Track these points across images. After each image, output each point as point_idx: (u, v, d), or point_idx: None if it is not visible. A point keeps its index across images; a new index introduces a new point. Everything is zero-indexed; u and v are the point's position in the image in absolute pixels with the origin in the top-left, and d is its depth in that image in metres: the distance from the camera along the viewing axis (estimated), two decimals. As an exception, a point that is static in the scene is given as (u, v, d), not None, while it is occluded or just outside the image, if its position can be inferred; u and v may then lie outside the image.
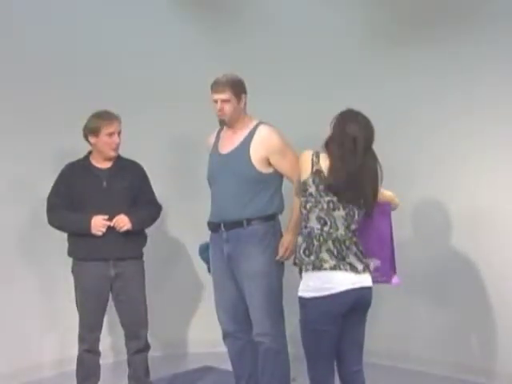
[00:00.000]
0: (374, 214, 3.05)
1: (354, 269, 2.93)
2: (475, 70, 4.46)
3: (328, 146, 3.00)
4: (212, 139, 3.87)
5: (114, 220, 3.84)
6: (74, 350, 4.00)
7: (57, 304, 4.70)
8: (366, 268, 2.99)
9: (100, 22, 4.93)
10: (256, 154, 3.61)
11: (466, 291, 4.55)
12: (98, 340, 3.97)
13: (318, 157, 2.97)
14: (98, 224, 3.83)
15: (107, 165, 3.99)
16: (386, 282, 3.09)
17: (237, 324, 3.75)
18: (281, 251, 3.60)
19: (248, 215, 3.60)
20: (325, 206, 2.95)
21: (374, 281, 3.02)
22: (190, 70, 5.07)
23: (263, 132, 3.67)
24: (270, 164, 3.64)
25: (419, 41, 4.61)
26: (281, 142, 3.66)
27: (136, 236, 3.95)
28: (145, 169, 4.12)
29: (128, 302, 3.95)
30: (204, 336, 5.05)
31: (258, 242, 3.60)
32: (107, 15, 4.97)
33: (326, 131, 3.05)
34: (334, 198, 2.94)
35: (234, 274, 3.68)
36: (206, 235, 3.85)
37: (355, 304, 2.94)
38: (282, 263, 3.72)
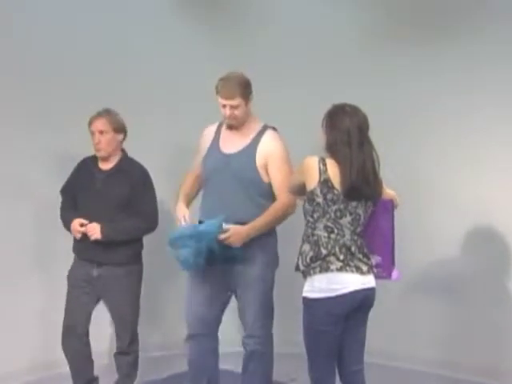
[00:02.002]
0: (377, 211, 3.05)
1: (359, 270, 2.94)
2: (476, 69, 4.47)
3: (331, 150, 2.96)
4: (210, 134, 3.75)
5: (85, 227, 3.78)
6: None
7: (57, 304, 4.69)
8: (370, 269, 2.99)
9: (100, 22, 4.91)
10: (260, 160, 3.54)
11: (466, 291, 4.54)
12: (83, 335, 3.93)
13: (324, 164, 2.92)
14: (75, 229, 3.82)
15: (108, 166, 3.94)
16: (386, 277, 3.10)
17: (204, 328, 3.69)
18: (226, 234, 3.35)
19: (251, 218, 3.48)
20: (332, 216, 2.93)
21: (376, 276, 3.03)
22: (190, 70, 5.07)
23: (270, 138, 3.58)
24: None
25: (419, 40, 4.62)
26: (283, 153, 3.58)
27: (119, 243, 3.84)
28: (149, 174, 3.99)
29: (110, 304, 3.95)
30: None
31: (261, 245, 3.54)
32: (107, 15, 4.95)
33: (320, 134, 3.03)
34: (342, 206, 2.92)
35: (228, 276, 3.58)
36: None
37: (360, 304, 2.95)
38: (277, 266, 3.68)
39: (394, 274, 3.13)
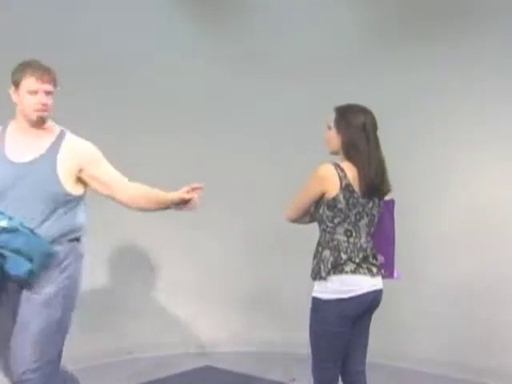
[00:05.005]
0: (382, 212, 3.04)
1: (370, 272, 2.93)
2: (476, 67, 4.49)
3: (348, 149, 2.91)
4: None
5: None
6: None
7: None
8: (379, 270, 2.99)
9: (100, 21, 4.91)
10: (68, 167, 2.93)
11: (467, 291, 4.55)
12: None
13: (342, 170, 2.88)
14: None
15: None
16: (389, 276, 3.10)
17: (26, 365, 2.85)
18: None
19: (54, 235, 2.90)
20: (352, 219, 2.91)
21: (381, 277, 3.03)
22: (190, 69, 5.07)
23: (75, 142, 3.00)
24: (79, 181, 2.98)
25: (419, 39, 4.64)
26: (97, 150, 3.05)
27: None
28: None
29: None
30: (204, 336, 5.05)
31: (56, 264, 2.90)
32: (107, 15, 4.95)
33: (330, 137, 3.01)
34: (360, 208, 2.90)
35: (21, 302, 2.88)
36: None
37: (370, 306, 2.95)
38: (75, 295, 3.01)
39: (396, 273, 3.13)
